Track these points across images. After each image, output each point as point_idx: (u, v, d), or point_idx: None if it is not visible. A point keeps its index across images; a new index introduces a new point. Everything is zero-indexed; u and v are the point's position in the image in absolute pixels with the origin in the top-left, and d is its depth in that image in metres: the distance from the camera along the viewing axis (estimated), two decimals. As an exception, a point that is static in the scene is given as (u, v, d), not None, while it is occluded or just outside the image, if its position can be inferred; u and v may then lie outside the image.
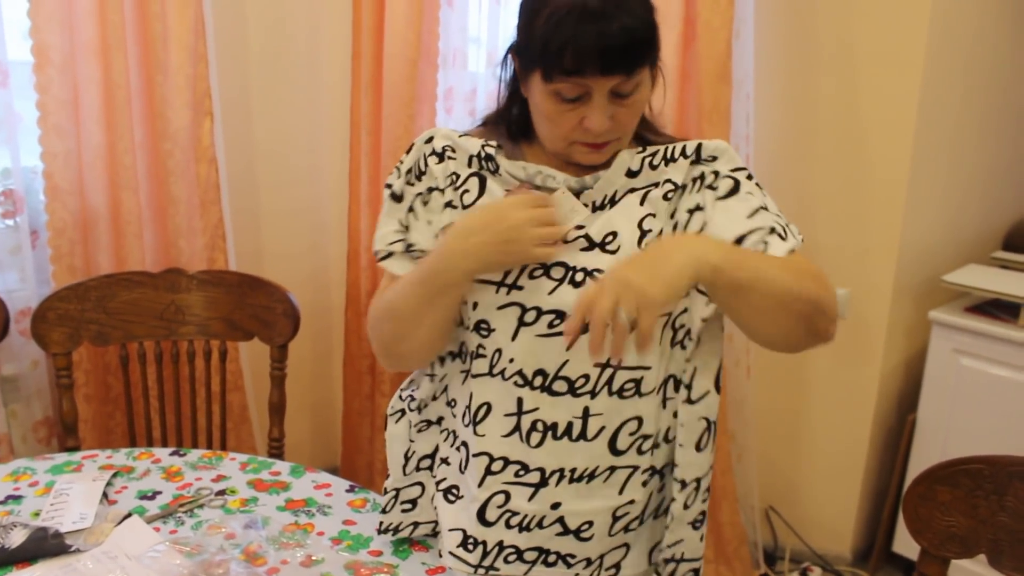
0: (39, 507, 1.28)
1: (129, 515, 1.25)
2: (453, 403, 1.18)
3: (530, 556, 1.13)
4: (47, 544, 1.17)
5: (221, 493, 1.35)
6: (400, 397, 1.24)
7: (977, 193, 2.52)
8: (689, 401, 1.10)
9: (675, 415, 1.12)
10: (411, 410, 1.21)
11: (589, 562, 1.14)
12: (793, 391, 2.47)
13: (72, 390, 1.74)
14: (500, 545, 1.13)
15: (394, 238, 1.15)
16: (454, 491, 1.18)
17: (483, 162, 1.14)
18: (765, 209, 1.08)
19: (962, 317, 2.22)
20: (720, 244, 1.00)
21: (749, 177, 1.12)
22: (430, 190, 1.16)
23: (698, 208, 1.10)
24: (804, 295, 0.99)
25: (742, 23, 2.10)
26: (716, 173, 1.10)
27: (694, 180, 1.11)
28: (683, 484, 1.12)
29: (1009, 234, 2.61)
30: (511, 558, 1.13)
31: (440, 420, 1.21)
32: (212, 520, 1.25)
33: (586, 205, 1.10)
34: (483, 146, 1.14)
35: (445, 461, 1.20)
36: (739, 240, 1.05)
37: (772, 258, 1.02)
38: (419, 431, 1.21)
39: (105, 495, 1.32)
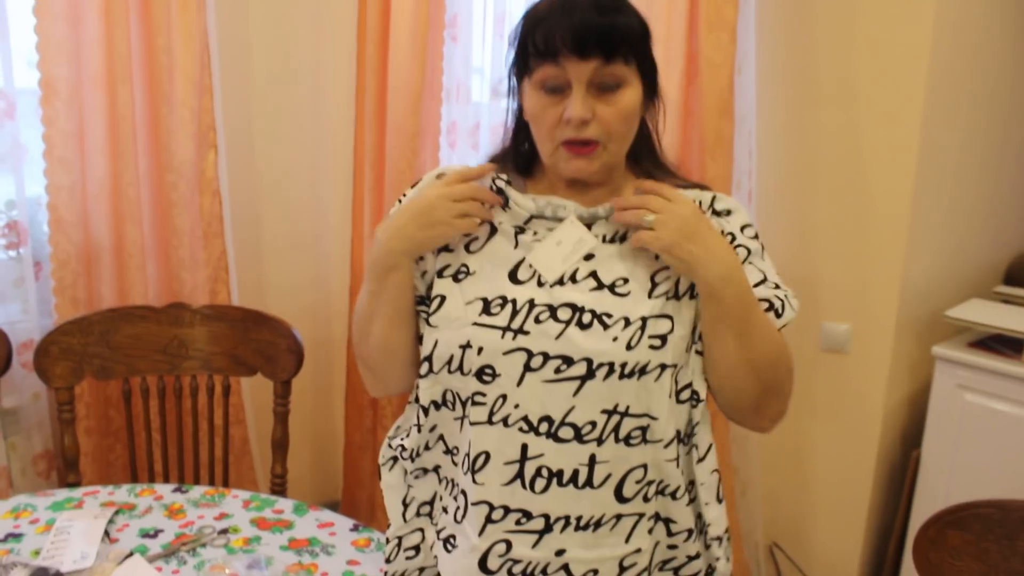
0: (39, 545, 1.27)
1: (131, 554, 1.24)
2: (455, 451, 1.16)
3: None
4: (48, 585, 1.16)
5: (224, 532, 1.33)
6: (390, 446, 1.23)
7: (979, 227, 2.53)
8: (700, 460, 1.12)
9: (677, 464, 1.11)
10: (403, 458, 1.20)
11: None
12: (796, 427, 2.46)
13: (74, 424, 1.73)
14: None
15: None
16: (452, 540, 1.15)
17: (499, 196, 1.15)
18: (764, 281, 1.14)
19: (965, 352, 2.22)
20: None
21: (755, 237, 1.16)
22: None
23: None
24: (777, 370, 1.10)
25: (744, 59, 2.12)
26: (732, 236, 1.14)
27: None
28: (719, 540, 1.13)
29: (1010, 268, 2.62)
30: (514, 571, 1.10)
31: (437, 468, 1.19)
32: (215, 560, 1.24)
33: (596, 237, 1.11)
34: (493, 179, 1.15)
35: (444, 509, 1.18)
36: None
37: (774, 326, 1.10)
38: (416, 478, 1.20)
39: (107, 533, 1.31)
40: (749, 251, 1.14)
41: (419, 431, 1.16)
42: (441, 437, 1.17)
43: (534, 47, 1.04)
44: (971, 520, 1.11)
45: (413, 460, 1.18)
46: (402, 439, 1.20)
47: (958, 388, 2.22)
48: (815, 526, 2.51)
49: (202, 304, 1.86)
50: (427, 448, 1.18)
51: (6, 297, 1.98)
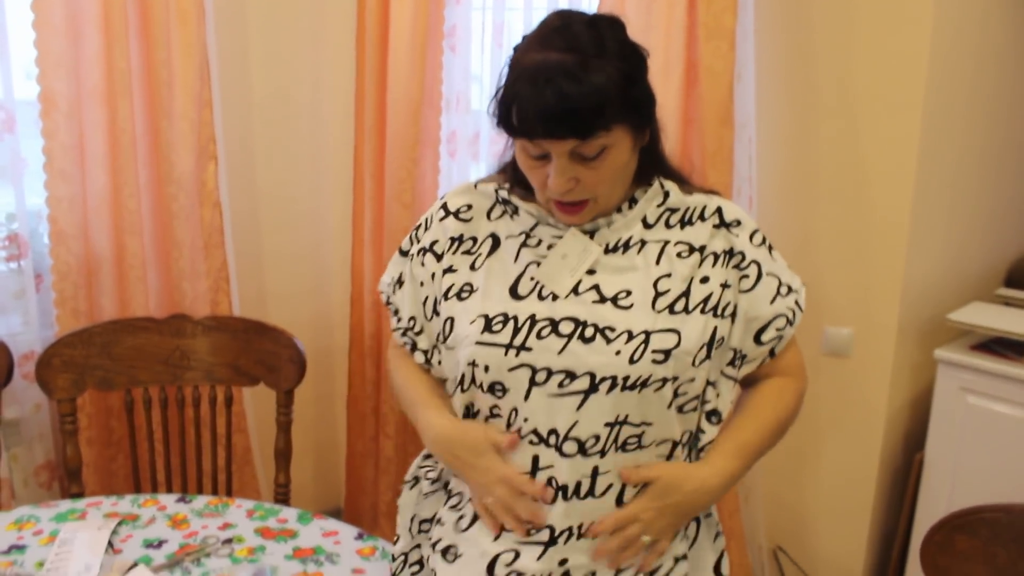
0: (43, 557, 1.27)
1: (135, 564, 1.24)
2: None
3: None
4: (52, 597, 1.15)
5: (228, 542, 1.33)
6: (418, 466, 1.25)
7: (979, 230, 2.53)
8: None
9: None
10: (426, 478, 1.22)
11: None
12: (799, 430, 2.43)
13: (76, 436, 1.72)
14: None
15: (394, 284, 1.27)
16: (452, 550, 1.14)
17: (504, 206, 1.18)
18: (778, 292, 1.17)
19: (968, 355, 2.22)
20: (732, 458, 1.14)
21: (763, 242, 1.18)
22: (423, 251, 1.21)
23: (727, 285, 1.13)
24: (786, 427, 1.22)
25: (743, 67, 2.12)
26: (743, 255, 1.15)
27: (725, 253, 1.14)
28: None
29: (1012, 271, 2.62)
30: None
31: (447, 484, 1.20)
32: (220, 570, 1.24)
33: (600, 246, 1.12)
34: (496, 190, 1.18)
35: (439, 521, 1.18)
36: (763, 328, 1.15)
37: (768, 411, 1.19)
38: (425, 497, 1.21)
39: (110, 544, 1.31)
40: (760, 266, 1.15)
41: None
42: None
43: (509, 127, 1.03)
44: (978, 525, 1.10)
45: (433, 483, 1.21)
46: (432, 464, 1.23)
47: (961, 391, 2.22)
48: (818, 529, 2.50)
49: (203, 315, 1.86)
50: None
51: (7, 309, 1.98)
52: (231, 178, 2.21)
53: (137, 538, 1.34)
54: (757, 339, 1.16)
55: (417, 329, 1.23)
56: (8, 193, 1.91)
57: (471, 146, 2.39)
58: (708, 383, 1.13)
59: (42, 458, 2.03)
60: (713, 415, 1.14)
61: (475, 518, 1.12)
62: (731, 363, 1.15)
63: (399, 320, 1.25)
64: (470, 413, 1.15)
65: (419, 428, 1.18)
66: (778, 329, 1.16)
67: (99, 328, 1.75)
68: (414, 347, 1.24)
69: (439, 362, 1.21)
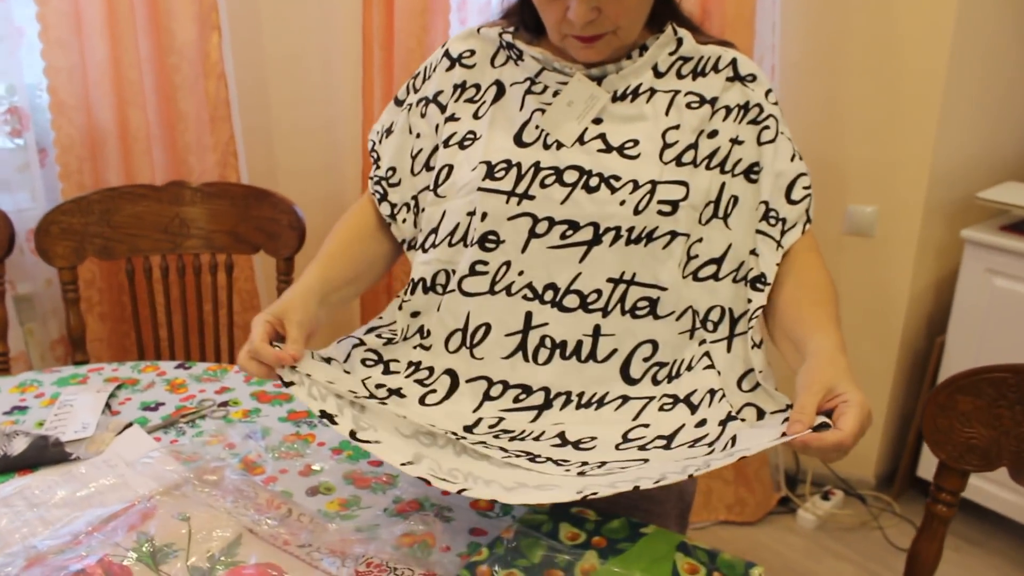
0: (43, 417, 1.28)
1: (130, 425, 1.24)
2: (427, 334, 1.12)
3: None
4: (48, 452, 1.16)
5: (224, 404, 1.33)
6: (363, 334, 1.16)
7: (1016, 106, 2.41)
8: (756, 346, 1.04)
9: (706, 353, 1.05)
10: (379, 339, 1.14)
11: (584, 463, 0.98)
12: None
13: (78, 304, 1.73)
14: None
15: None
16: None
17: (508, 51, 1.13)
18: (796, 152, 1.09)
19: (997, 236, 2.14)
20: (840, 349, 0.96)
21: (776, 103, 1.10)
22: (425, 102, 1.16)
23: (738, 141, 1.07)
24: None
25: (769, -78, 2.00)
26: (760, 107, 1.08)
27: (739, 107, 1.08)
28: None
29: (1050, 151, 2.50)
30: (500, 436, 1.04)
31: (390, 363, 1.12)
32: (213, 431, 1.24)
33: (607, 93, 1.07)
34: (500, 34, 1.13)
35: (399, 393, 1.09)
36: (791, 184, 1.07)
37: (833, 303, 1.04)
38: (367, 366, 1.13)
39: (108, 406, 1.32)
40: (777, 120, 1.09)
41: (400, 309, 1.14)
42: (420, 328, 1.13)
43: None
44: (984, 385, 1.06)
45: (385, 344, 1.13)
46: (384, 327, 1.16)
47: (987, 272, 2.15)
48: (834, 413, 2.49)
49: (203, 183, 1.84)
50: (405, 338, 1.14)
51: (13, 185, 1.97)
52: (237, 50, 2.15)
53: (135, 401, 1.34)
54: (788, 197, 1.07)
55: (393, 180, 1.19)
56: (6, 65, 1.87)
57: (483, 14, 2.29)
58: (751, 252, 1.06)
59: (56, 333, 2.05)
60: (759, 280, 1.06)
61: (457, 388, 1.08)
62: (765, 218, 1.07)
63: (377, 168, 1.21)
64: (433, 284, 1.11)
65: None
66: (804, 188, 1.08)
67: (97, 196, 1.73)
68: (383, 198, 1.20)
69: (403, 220, 1.17)
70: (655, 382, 1.04)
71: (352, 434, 0.94)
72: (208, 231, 1.79)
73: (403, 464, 0.92)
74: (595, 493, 0.84)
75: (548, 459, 0.97)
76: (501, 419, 1.05)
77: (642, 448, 0.98)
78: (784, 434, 0.85)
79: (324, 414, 0.95)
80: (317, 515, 1.02)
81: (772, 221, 1.07)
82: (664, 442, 0.98)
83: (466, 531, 1.01)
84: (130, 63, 1.94)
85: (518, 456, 0.97)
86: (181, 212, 1.77)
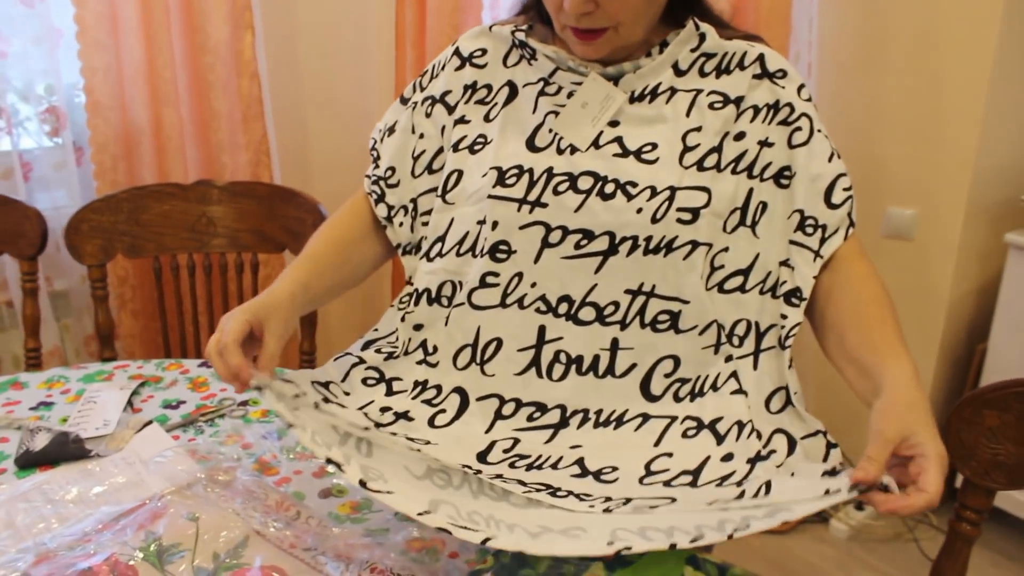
0: (68, 413, 1.30)
1: (150, 423, 1.25)
2: (433, 350, 1.07)
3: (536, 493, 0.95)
4: (68, 448, 1.18)
5: (243, 404, 1.34)
6: (362, 349, 1.13)
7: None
8: (790, 366, 1.01)
9: (733, 369, 1.01)
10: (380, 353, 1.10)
11: (608, 498, 0.93)
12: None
13: (107, 302, 1.75)
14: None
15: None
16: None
17: (521, 50, 1.08)
18: (834, 151, 1.02)
19: (1043, 240, 2.07)
20: (915, 382, 0.93)
21: (810, 99, 1.03)
22: (431, 101, 1.13)
23: (768, 143, 1.01)
24: None
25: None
26: (791, 107, 1.01)
27: (768, 107, 1.01)
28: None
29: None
30: (517, 464, 1.00)
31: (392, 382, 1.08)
32: (230, 430, 1.25)
33: (624, 93, 1.02)
34: (513, 32, 1.08)
35: (406, 416, 1.05)
36: (830, 187, 1.00)
37: (896, 317, 1.01)
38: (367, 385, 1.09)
39: (130, 403, 1.33)
40: (811, 119, 1.02)
41: (402, 321, 1.09)
42: (423, 342, 1.09)
43: None
44: (1012, 399, 1.02)
45: (386, 359, 1.08)
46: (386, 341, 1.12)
47: (1032, 278, 2.09)
48: (868, 419, 2.43)
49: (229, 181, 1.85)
50: (406, 353, 1.09)
51: (50, 183, 2.01)
52: (269, 49, 2.16)
53: (157, 399, 1.36)
54: (828, 201, 1.00)
55: (392, 181, 1.16)
56: (46, 66, 1.90)
57: (515, 11, 2.28)
58: (781, 264, 1.01)
59: (91, 328, 2.09)
60: (794, 295, 1.00)
61: (467, 407, 1.03)
62: (801, 228, 1.01)
63: (375, 167, 1.18)
64: (438, 295, 1.07)
65: None
66: (845, 189, 1.00)
67: (125, 194, 1.76)
68: (380, 199, 1.17)
69: (400, 224, 1.14)
70: (677, 399, 1.00)
71: (362, 483, 0.86)
72: (234, 230, 1.80)
73: (420, 514, 0.84)
74: (629, 548, 0.78)
75: (569, 492, 0.92)
76: (516, 441, 1.01)
77: (667, 484, 0.94)
78: (854, 486, 0.81)
79: (330, 461, 0.88)
80: (325, 518, 1.02)
81: (809, 230, 1.01)
82: (690, 478, 0.94)
83: (475, 538, 1.00)
84: (164, 63, 1.97)
85: (538, 490, 0.92)
86: (208, 211, 1.78)
